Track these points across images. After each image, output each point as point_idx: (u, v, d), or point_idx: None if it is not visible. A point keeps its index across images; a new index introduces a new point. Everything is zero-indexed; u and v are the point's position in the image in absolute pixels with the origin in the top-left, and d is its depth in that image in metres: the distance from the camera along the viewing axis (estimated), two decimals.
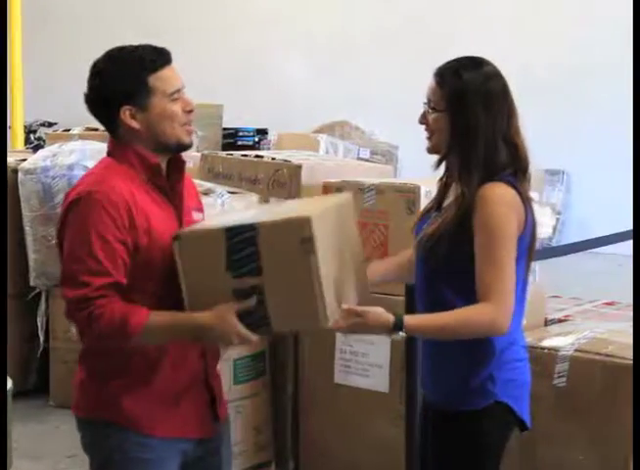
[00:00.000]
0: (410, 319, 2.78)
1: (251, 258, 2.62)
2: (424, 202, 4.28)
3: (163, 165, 2.81)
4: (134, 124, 2.73)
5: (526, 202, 2.82)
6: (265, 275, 2.62)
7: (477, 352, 2.81)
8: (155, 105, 2.73)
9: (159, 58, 2.74)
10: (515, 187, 2.79)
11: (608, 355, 3.85)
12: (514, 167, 2.82)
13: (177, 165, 2.84)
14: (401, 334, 2.77)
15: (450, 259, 2.79)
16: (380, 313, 2.75)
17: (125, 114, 2.72)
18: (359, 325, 2.74)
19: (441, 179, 2.95)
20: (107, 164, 2.80)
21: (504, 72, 2.90)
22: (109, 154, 2.83)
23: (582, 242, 5.74)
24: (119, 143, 2.79)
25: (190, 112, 2.78)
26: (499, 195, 2.76)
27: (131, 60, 2.73)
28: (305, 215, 2.61)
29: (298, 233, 2.59)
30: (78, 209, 2.67)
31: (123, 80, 2.71)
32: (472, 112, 2.79)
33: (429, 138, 2.88)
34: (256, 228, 2.62)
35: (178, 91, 2.76)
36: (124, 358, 2.74)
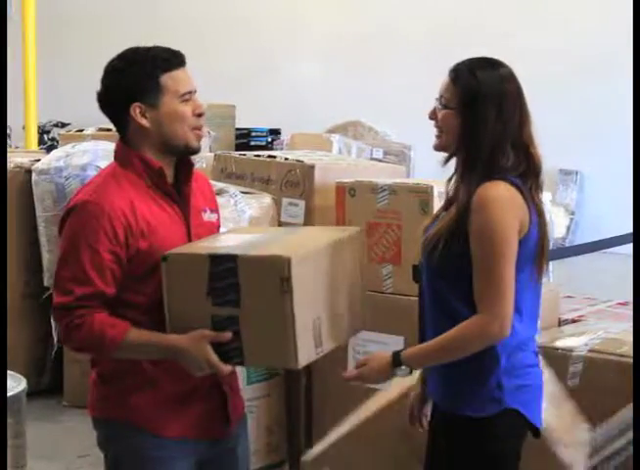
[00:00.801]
0: (407, 351, 2.83)
1: (231, 289, 2.63)
2: (437, 202, 4.28)
3: (171, 168, 2.82)
4: (144, 122, 2.74)
5: (531, 202, 2.79)
6: (243, 308, 2.64)
7: (480, 358, 2.77)
8: (165, 104, 2.74)
9: (172, 58, 2.77)
10: (518, 187, 2.77)
11: (622, 356, 3.85)
12: (519, 172, 2.79)
13: (185, 168, 2.85)
14: (403, 368, 2.82)
15: (447, 261, 2.78)
16: (380, 353, 2.87)
17: (135, 111, 2.74)
18: (366, 370, 2.86)
19: (450, 180, 2.94)
20: (110, 171, 2.82)
21: (516, 71, 2.88)
22: (115, 158, 2.85)
23: (596, 242, 5.75)
24: (125, 146, 2.81)
25: (200, 115, 2.79)
26: (496, 196, 2.73)
27: (145, 58, 2.75)
28: (286, 255, 2.60)
29: (277, 272, 2.59)
30: (74, 217, 2.72)
31: (135, 77, 2.73)
32: (482, 112, 2.76)
33: (438, 136, 2.87)
34: (237, 260, 2.62)
35: (190, 93, 2.77)
36: (132, 361, 2.76)
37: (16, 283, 5.73)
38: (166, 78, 2.73)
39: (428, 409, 3.06)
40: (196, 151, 2.82)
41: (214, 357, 2.64)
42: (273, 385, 4.70)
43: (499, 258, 2.71)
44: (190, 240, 2.81)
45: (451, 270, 2.78)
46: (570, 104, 11.07)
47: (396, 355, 2.81)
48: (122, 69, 2.76)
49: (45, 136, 12.35)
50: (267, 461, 4.73)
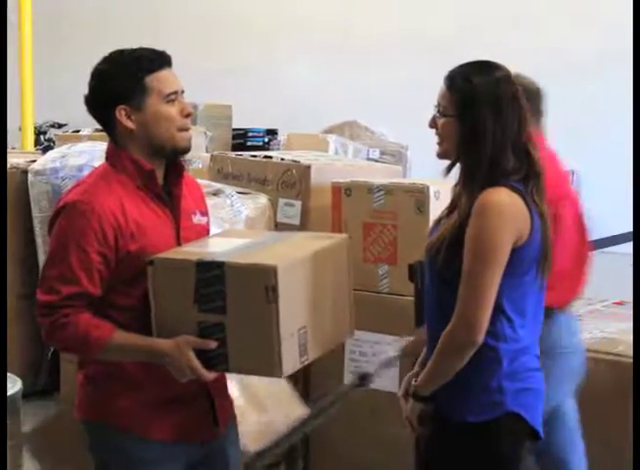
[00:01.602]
0: (417, 381, 2.90)
1: (218, 296, 2.63)
2: (433, 202, 4.28)
3: (161, 170, 2.82)
4: (129, 124, 2.74)
5: (533, 206, 2.78)
6: (229, 315, 2.64)
7: (481, 361, 2.78)
8: (149, 105, 2.73)
9: (157, 59, 2.76)
10: (520, 192, 2.77)
11: (618, 355, 3.86)
12: (521, 175, 2.79)
13: (175, 170, 2.84)
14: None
15: (450, 266, 2.78)
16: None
17: (121, 113, 2.73)
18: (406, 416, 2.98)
19: (456, 186, 2.93)
20: (100, 172, 2.81)
21: (514, 71, 2.88)
22: (106, 159, 2.84)
23: (592, 241, 5.72)
24: (116, 147, 2.81)
25: (187, 116, 2.78)
26: (495, 204, 2.73)
27: (129, 60, 2.75)
28: (272, 264, 2.60)
29: (263, 281, 2.59)
30: (63, 217, 2.71)
31: (120, 80, 2.73)
32: (480, 117, 2.75)
33: (439, 143, 2.87)
34: (224, 268, 2.62)
35: (175, 93, 2.76)
36: (118, 363, 2.76)
37: (12, 284, 5.72)
38: (151, 79, 2.72)
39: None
40: (184, 151, 2.81)
41: (196, 364, 2.64)
42: None
43: (485, 265, 2.71)
44: (179, 243, 2.80)
45: (454, 275, 2.78)
46: (565, 103, 11.07)
47: (413, 390, 2.89)
48: (107, 71, 2.76)
49: (42, 137, 12.33)
50: (264, 461, 4.72)
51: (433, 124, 2.87)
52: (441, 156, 2.89)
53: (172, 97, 2.75)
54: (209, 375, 2.68)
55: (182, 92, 2.79)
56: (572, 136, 11.01)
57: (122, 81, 2.73)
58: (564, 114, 11.02)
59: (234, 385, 3.66)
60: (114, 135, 2.80)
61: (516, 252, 2.74)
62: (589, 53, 11.05)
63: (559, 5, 11.33)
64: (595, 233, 6.81)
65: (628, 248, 5.84)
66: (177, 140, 2.77)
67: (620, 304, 4.96)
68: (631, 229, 5.21)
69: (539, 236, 2.80)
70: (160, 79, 2.74)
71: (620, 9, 10.43)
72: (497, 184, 2.76)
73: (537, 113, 3.90)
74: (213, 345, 2.64)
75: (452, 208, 2.89)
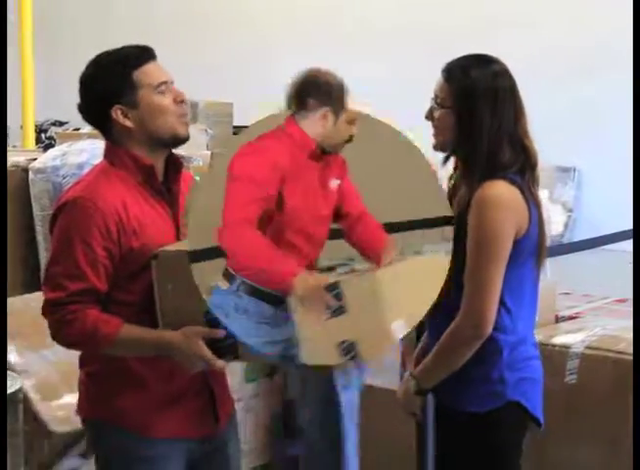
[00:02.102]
0: (416, 371, 2.91)
1: None
2: None
3: (160, 166, 2.82)
4: (127, 123, 2.74)
5: (531, 201, 2.79)
6: None
7: (481, 352, 2.79)
8: (143, 99, 2.73)
9: (142, 54, 2.77)
10: (518, 185, 2.77)
11: (619, 352, 3.85)
12: (517, 168, 2.80)
13: (174, 166, 2.85)
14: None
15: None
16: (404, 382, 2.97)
17: (117, 113, 2.73)
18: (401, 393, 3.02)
19: (450, 178, 2.94)
20: (100, 169, 2.81)
21: (513, 68, 2.88)
22: (104, 156, 2.84)
23: (593, 239, 5.74)
24: (114, 145, 2.80)
25: (181, 102, 2.78)
26: (495, 196, 2.73)
27: (114, 60, 2.76)
28: None
29: None
30: (66, 213, 2.70)
31: (109, 80, 2.73)
32: (478, 109, 2.77)
33: (435, 135, 2.87)
34: None
35: (165, 84, 2.76)
36: (121, 361, 2.75)
37: (12, 283, 5.72)
38: (138, 74, 2.73)
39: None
40: (184, 139, 2.80)
41: (207, 353, 2.63)
42: (271, 382, 4.69)
43: (488, 259, 2.71)
44: (179, 239, 2.80)
45: (457, 269, 2.77)
46: (567, 100, 11.06)
47: (415, 381, 2.90)
48: (95, 75, 2.77)
49: (42, 135, 12.33)
50: (265, 458, 4.73)
51: (429, 116, 2.88)
52: (437, 147, 2.89)
53: (162, 88, 2.76)
54: (221, 363, 2.67)
55: (172, 83, 2.79)
56: (573, 134, 11.00)
57: (112, 81, 2.73)
58: (564, 112, 11.04)
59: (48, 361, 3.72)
60: (111, 135, 2.81)
61: (515, 244, 2.75)
62: (589, 51, 11.04)
63: (558, 5, 11.32)
64: (597, 231, 6.81)
65: (628, 246, 5.84)
66: (176, 128, 2.77)
67: (622, 301, 4.96)
68: (631, 227, 5.21)
69: (537, 229, 2.81)
70: (147, 72, 2.75)
71: (620, 9, 10.43)
72: (496, 177, 2.76)
73: (342, 108, 3.94)
74: (222, 333, 2.64)
75: (450, 200, 2.90)
